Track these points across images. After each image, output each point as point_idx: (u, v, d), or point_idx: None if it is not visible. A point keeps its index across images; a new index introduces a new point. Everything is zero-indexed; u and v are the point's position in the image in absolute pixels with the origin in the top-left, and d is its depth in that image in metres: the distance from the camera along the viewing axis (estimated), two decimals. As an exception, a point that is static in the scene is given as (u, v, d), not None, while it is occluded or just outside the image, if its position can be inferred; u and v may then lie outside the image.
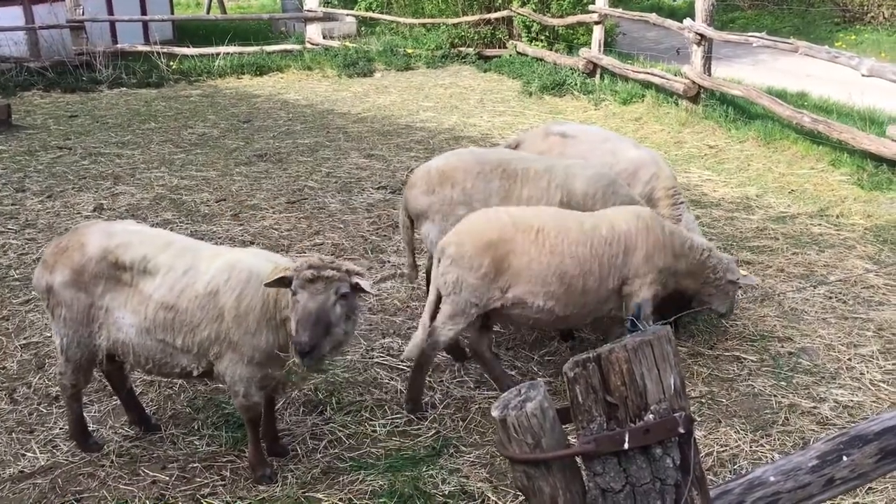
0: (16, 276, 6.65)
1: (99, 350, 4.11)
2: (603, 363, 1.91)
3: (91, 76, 15.26)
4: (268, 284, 3.64)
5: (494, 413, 1.94)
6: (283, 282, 3.62)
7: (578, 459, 1.99)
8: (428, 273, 5.71)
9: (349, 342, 4.20)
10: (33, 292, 5.63)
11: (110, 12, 18.49)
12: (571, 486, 1.97)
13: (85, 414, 4.55)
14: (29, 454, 4.40)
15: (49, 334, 5.46)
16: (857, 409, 4.78)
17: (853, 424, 2.76)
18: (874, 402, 4.84)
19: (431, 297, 4.75)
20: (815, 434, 4.50)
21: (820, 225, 7.74)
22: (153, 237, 4.12)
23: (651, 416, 1.91)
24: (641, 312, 5.10)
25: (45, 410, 4.82)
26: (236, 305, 3.82)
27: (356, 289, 3.66)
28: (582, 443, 1.91)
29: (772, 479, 2.37)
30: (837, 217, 7.93)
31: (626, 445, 1.89)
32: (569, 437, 2.01)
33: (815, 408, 4.79)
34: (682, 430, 1.92)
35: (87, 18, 15.97)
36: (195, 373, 4.03)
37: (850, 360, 5.31)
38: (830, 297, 6.20)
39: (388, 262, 7.00)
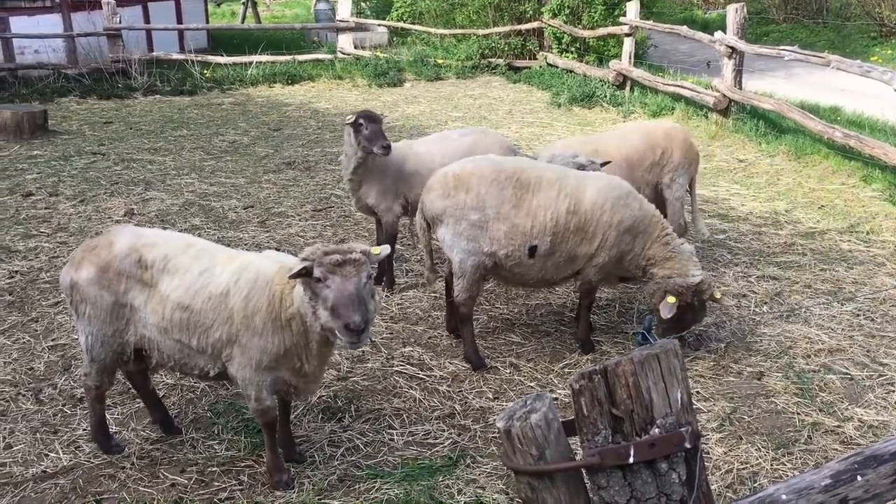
0: (46, 279, 6.77)
1: (127, 347, 4.18)
2: (609, 376, 1.90)
3: (126, 83, 15.52)
4: (293, 276, 3.58)
5: (499, 424, 1.94)
6: (306, 271, 3.57)
7: (583, 472, 1.98)
8: (447, 282, 5.73)
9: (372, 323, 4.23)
10: (62, 294, 5.73)
11: (147, 21, 18.78)
12: (575, 499, 1.96)
13: (108, 416, 4.62)
14: (52, 454, 4.47)
15: (76, 337, 5.54)
16: (881, 428, 4.70)
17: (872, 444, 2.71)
18: (900, 422, 4.76)
19: None
20: (839, 454, 4.42)
21: (849, 241, 7.63)
22: (176, 239, 4.21)
23: (657, 430, 1.90)
24: (651, 325, 5.07)
25: (69, 412, 4.90)
26: (244, 306, 3.87)
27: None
28: (586, 455, 1.91)
29: (784, 497, 2.33)
30: (867, 234, 7.82)
31: (631, 459, 1.88)
32: (574, 450, 2.01)
33: (838, 427, 4.72)
34: (688, 445, 1.91)
35: (124, 27, 16.23)
36: (212, 373, 4.09)
37: (877, 378, 5.23)
38: (858, 315, 6.11)
39: (412, 271, 7.03)
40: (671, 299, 5.25)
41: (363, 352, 5.63)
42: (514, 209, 5.19)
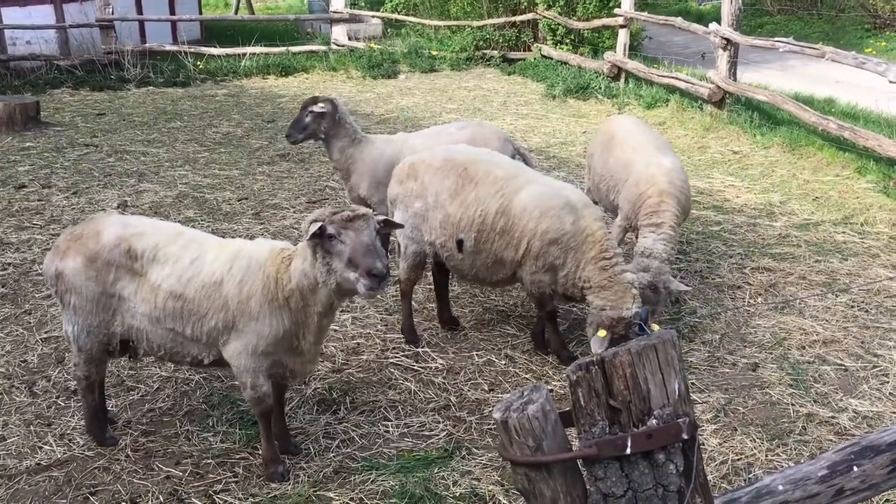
0: (39, 271, 6.73)
1: (113, 337, 4.16)
2: (606, 367, 1.90)
3: (119, 75, 15.44)
4: (310, 238, 3.62)
5: (496, 415, 1.93)
6: (321, 231, 3.61)
7: (580, 463, 1.98)
8: (434, 274, 5.76)
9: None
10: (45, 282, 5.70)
11: (139, 12, 18.70)
12: (573, 490, 1.96)
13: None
14: (46, 447, 4.46)
15: (69, 329, 5.52)
16: (876, 419, 4.71)
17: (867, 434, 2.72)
18: (894, 412, 4.77)
19: None
20: (833, 445, 4.43)
21: (844, 233, 7.64)
22: (165, 228, 4.19)
23: (654, 421, 1.89)
24: (648, 316, 5.02)
25: (63, 404, 4.88)
26: (238, 292, 3.88)
27: (389, 224, 3.92)
28: (583, 447, 1.90)
29: (780, 487, 2.34)
30: (862, 225, 7.83)
31: (628, 450, 1.88)
32: (571, 441, 2.00)
33: (833, 418, 4.73)
34: (685, 436, 1.90)
35: (117, 17, 16.16)
36: (206, 361, 4.09)
37: (871, 369, 5.24)
38: (852, 306, 6.12)
39: (407, 263, 7.00)
40: (602, 333, 4.87)
41: (358, 344, 5.62)
42: (450, 198, 5.19)
